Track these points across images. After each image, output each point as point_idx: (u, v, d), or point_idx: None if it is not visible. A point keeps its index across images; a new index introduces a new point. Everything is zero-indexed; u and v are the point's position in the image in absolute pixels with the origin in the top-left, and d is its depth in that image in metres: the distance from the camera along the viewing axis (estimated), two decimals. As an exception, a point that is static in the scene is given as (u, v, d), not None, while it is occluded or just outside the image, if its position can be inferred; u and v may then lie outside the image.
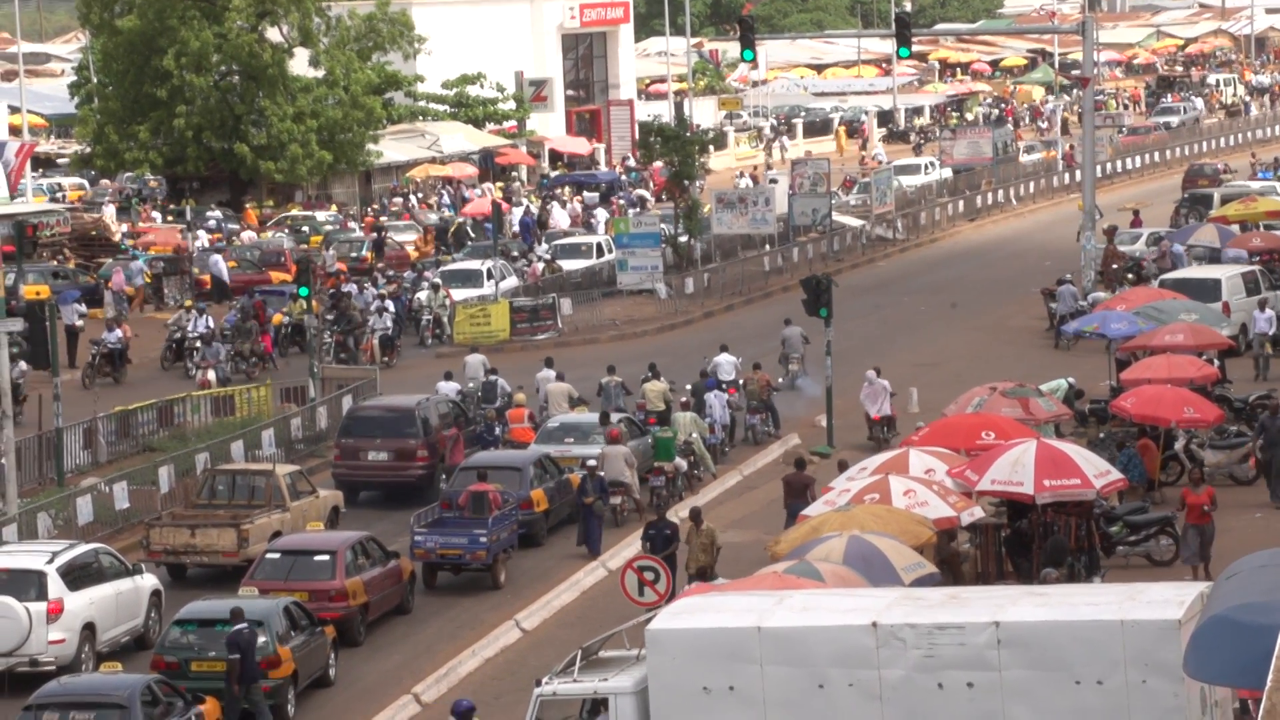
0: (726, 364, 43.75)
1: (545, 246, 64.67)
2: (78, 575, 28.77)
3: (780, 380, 44.91)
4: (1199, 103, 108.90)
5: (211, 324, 49.40)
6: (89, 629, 28.43)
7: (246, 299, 52.91)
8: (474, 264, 58.89)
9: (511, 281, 57.95)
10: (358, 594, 29.75)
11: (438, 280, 55.26)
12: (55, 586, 28.24)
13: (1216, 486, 34.54)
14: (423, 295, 54.68)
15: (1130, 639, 19.67)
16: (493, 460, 35.85)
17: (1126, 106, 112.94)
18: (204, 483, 34.79)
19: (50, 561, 28.61)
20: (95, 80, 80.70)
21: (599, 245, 63.21)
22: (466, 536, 32.35)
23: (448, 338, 53.36)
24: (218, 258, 61.40)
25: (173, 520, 33.19)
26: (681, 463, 37.50)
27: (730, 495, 38.15)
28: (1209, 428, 35.67)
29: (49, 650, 27.85)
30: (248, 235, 68.12)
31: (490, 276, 56.64)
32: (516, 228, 70.17)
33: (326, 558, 29.87)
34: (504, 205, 75.63)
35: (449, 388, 42.55)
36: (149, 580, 30.29)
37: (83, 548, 29.81)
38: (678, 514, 36.32)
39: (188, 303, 52.49)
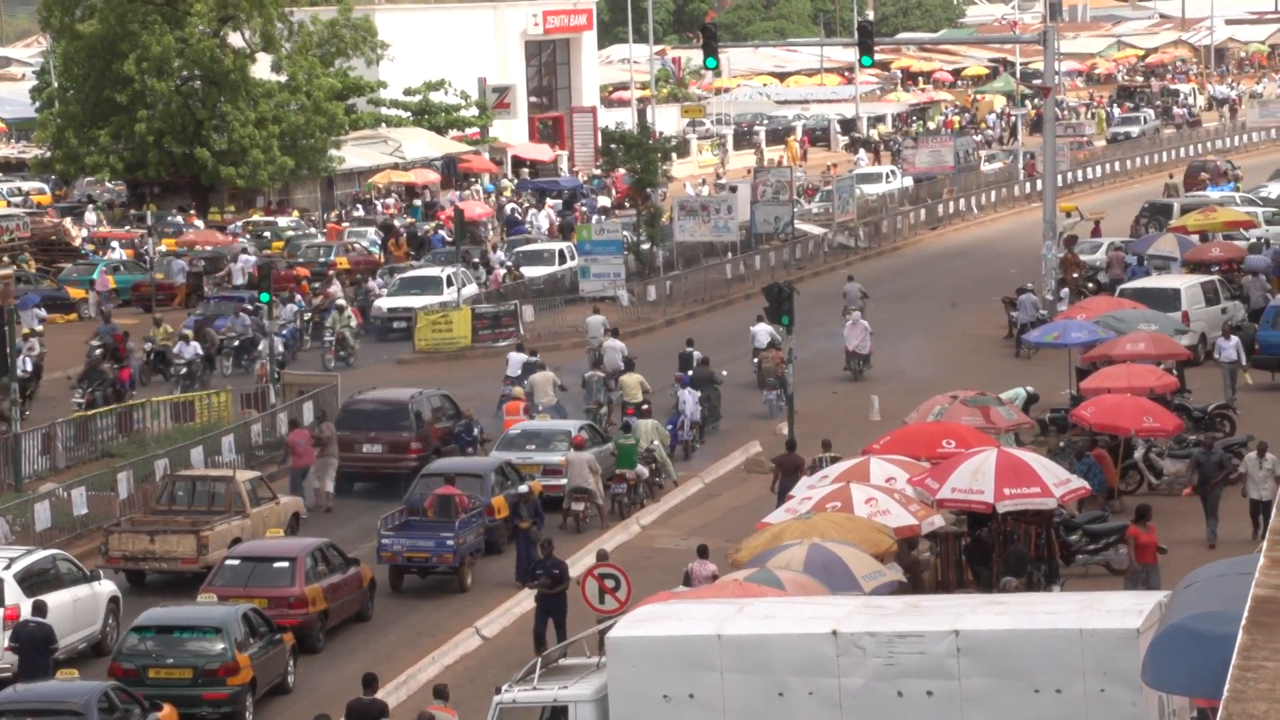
0: (763, 333, 46.89)
1: (500, 254, 64.56)
2: (35, 581, 28.62)
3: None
4: (1150, 114, 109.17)
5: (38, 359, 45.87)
6: (47, 634, 28.28)
7: (105, 326, 48.97)
8: (434, 271, 58.75)
9: (471, 289, 57.73)
10: (317, 601, 29.66)
11: (342, 301, 53.40)
12: (12, 592, 28.09)
13: (1174, 496, 34.64)
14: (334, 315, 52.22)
15: (1089, 648, 19.72)
16: (454, 467, 35.82)
17: (1094, 116, 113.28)
18: (164, 489, 34.65)
19: (7, 568, 28.45)
20: (56, 84, 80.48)
21: (561, 252, 63.21)
22: (433, 540, 32.37)
23: (353, 360, 51.16)
24: (246, 258, 61.31)
25: (132, 526, 33.03)
26: (643, 470, 37.51)
27: (692, 503, 38.14)
28: (1168, 437, 35.76)
29: (5, 657, 27.68)
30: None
31: (450, 284, 56.53)
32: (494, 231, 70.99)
33: (286, 564, 29.78)
34: (488, 210, 75.86)
35: (519, 359, 44.81)
36: (106, 587, 30.15)
37: (40, 554, 29.66)
38: (635, 522, 36.34)
39: (29, 330, 48.87)
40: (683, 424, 40.90)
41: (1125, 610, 20.23)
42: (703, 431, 41.81)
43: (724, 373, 44.09)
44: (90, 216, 71.36)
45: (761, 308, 47.26)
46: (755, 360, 45.98)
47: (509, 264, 62.31)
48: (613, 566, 27.46)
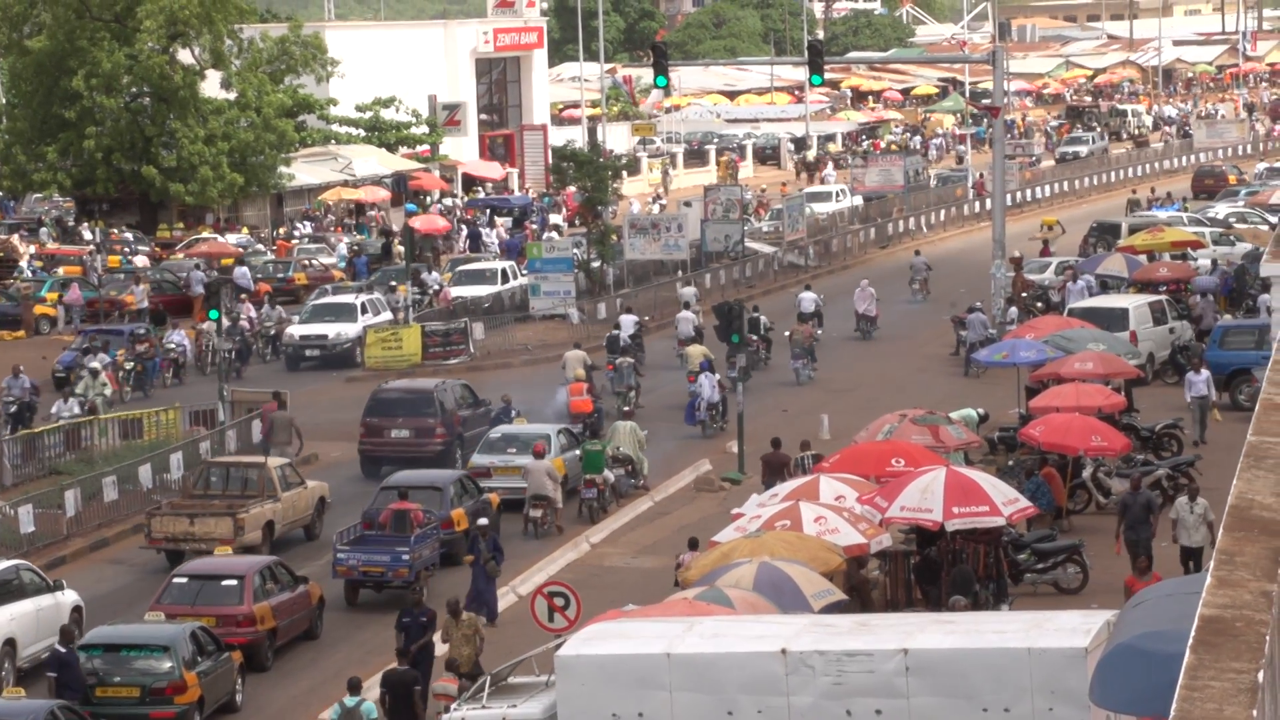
0: (808, 300, 53.90)
1: (435, 274, 63.99)
2: None
3: (911, 297, 60.60)
4: (1090, 135, 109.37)
5: None
6: (9, 645, 28.41)
7: None
8: (347, 298, 56.53)
9: (386, 315, 55.38)
10: (266, 619, 29.59)
11: (97, 365, 46.32)
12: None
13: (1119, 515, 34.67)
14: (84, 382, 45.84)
15: (1037, 667, 19.78)
16: (413, 480, 35.88)
17: (1047, 136, 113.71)
18: (199, 475, 36.58)
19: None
20: (4, 101, 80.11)
21: (504, 271, 62.92)
22: (389, 554, 32.37)
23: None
24: (243, 269, 61.03)
25: (172, 509, 34.86)
26: (610, 475, 37.66)
27: (642, 520, 38.14)
28: (1116, 456, 35.89)
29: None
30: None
31: (365, 310, 54.97)
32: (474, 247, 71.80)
33: (234, 582, 29.73)
34: (447, 224, 75.81)
35: (629, 320, 50.89)
36: (70, 596, 30.35)
37: (2, 564, 29.90)
38: (584, 540, 36.35)
39: None
40: (699, 405, 43.71)
41: (1073, 629, 20.30)
42: (724, 414, 43.91)
43: (753, 341, 47.50)
44: (86, 234, 71.17)
45: (713, 325, 47.66)
46: (788, 332, 49.24)
47: (437, 285, 61.52)
48: (562, 584, 27.43)
